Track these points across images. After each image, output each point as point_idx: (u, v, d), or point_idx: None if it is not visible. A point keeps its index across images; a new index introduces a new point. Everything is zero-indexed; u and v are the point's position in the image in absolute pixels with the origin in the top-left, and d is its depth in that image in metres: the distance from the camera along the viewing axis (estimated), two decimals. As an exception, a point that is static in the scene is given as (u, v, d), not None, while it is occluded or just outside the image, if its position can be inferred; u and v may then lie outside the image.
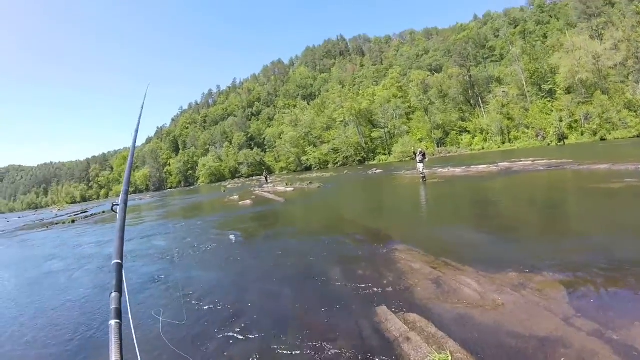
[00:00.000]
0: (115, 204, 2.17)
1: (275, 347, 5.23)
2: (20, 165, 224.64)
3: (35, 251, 18.51)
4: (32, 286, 11.18)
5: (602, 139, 44.45)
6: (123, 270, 1.79)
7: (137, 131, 3.31)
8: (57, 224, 33.82)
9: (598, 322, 4.53)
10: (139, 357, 1.58)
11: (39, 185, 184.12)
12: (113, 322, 1.45)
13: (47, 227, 31.88)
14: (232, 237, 13.63)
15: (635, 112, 45.02)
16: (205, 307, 7.02)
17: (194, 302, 7.39)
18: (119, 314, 1.51)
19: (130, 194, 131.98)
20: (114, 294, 1.60)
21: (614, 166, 16.97)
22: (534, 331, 4.57)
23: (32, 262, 15.41)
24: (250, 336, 5.64)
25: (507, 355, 4.24)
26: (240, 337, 5.65)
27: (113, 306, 1.54)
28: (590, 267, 6.27)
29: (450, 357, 4.14)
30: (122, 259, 1.81)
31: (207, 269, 10.11)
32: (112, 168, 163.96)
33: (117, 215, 2.11)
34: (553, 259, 6.85)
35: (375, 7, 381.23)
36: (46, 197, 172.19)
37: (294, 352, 5.01)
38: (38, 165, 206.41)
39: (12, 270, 14.44)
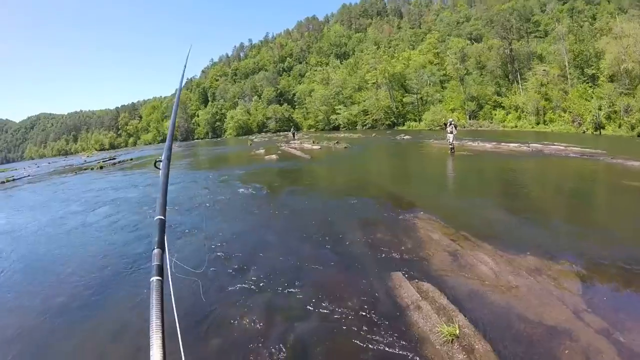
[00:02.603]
0: (159, 161, 2.17)
1: (288, 302, 5.40)
2: (51, 113, 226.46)
3: (63, 194, 19.22)
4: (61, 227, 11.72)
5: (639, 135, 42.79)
6: (165, 227, 1.76)
7: (179, 90, 3.31)
8: (85, 169, 34.62)
9: (608, 321, 4.48)
10: (175, 312, 1.57)
11: (69, 133, 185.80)
12: (155, 279, 1.45)
13: (76, 172, 32.67)
14: (254, 192, 13.81)
15: None
16: (226, 258, 7.25)
17: (218, 253, 7.62)
18: (160, 271, 1.51)
19: (159, 142, 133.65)
20: (156, 251, 1.60)
21: (650, 165, 16.35)
22: (544, 319, 4.58)
23: (59, 204, 16.03)
24: (266, 290, 5.82)
25: (514, 338, 4.28)
26: (255, 289, 5.84)
27: (155, 263, 1.53)
28: (609, 264, 6.11)
29: (458, 331, 4.22)
30: (164, 215, 1.78)
31: (231, 220, 10.37)
32: (140, 117, 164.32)
33: (161, 171, 2.08)
34: (573, 249, 6.73)
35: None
36: (75, 144, 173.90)
37: (305, 308, 5.17)
38: (68, 114, 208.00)
39: (39, 212, 15.07)
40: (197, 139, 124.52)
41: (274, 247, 7.79)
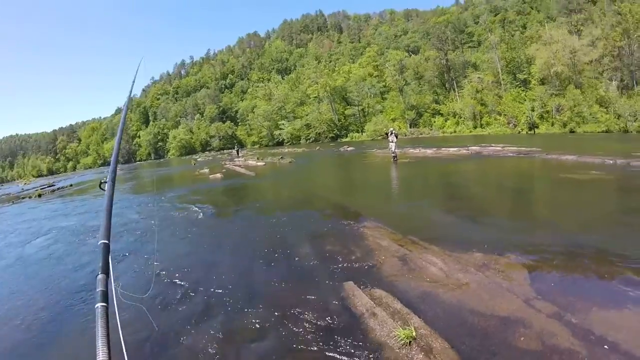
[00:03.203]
0: (104, 182, 2.07)
1: (243, 321, 5.25)
2: None
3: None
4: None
5: (572, 131, 45.29)
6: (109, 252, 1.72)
7: (126, 106, 3.18)
8: (23, 198, 32.57)
9: (558, 305, 4.69)
10: (122, 339, 1.53)
11: (4, 159, 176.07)
12: (99, 305, 1.39)
13: (13, 202, 30.78)
14: (200, 211, 13.52)
15: (605, 108, 45.80)
16: (175, 281, 7.00)
17: (163, 275, 7.35)
18: (105, 297, 1.45)
19: (99, 166, 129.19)
20: (100, 276, 1.54)
21: (581, 158, 17.34)
22: (496, 311, 4.72)
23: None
24: (218, 310, 5.65)
25: (469, 332, 4.38)
26: (208, 311, 5.66)
27: (99, 289, 1.48)
28: (553, 252, 6.48)
29: (414, 333, 4.25)
30: (109, 240, 1.73)
31: (178, 242, 10.03)
32: (79, 140, 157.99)
33: (105, 193, 2.01)
34: (517, 242, 7.05)
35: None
36: (12, 171, 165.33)
37: (261, 326, 5.04)
38: (3, 138, 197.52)
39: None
40: (139, 160, 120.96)
41: (224, 267, 7.59)
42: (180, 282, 6.90)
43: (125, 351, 1.42)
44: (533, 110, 51.41)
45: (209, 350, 4.66)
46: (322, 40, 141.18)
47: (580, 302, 4.76)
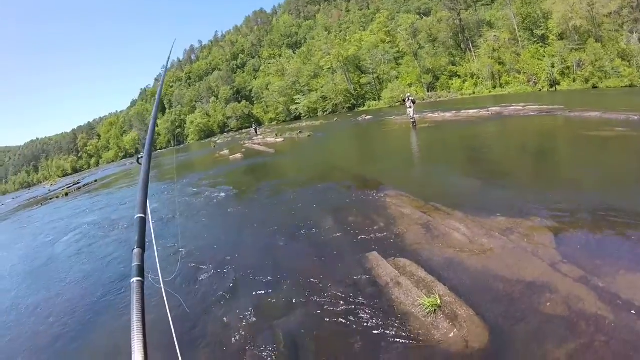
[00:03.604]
0: (140, 157, 2.09)
1: (270, 298, 5.32)
2: (6, 147, 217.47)
3: (29, 229, 18.50)
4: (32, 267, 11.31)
5: (594, 87, 43.87)
6: (149, 225, 1.72)
7: (162, 82, 3.17)
8: (50, 199, 33.18)
9: (584, 269, 4.56)
10: (169, 315, 1.56)
11: (29, 164, 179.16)
12: (135, 279, 1.37)
13: (42, 203, 31.40)
14: (222, 193, 13.65)
15: (628, 61, 44.07)
16: (201, 263, 7.10)
17: (188, 257, 7.46)
18: (141, 272, 1.43)
19: (121, 158, 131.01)
20: (136, 250, 1.52)
21: (605, 114, 16.75)
22: (521, 276, 4.64)
23: (27, 239, 15.57)
24: (247, 290, 5.73)
25: (494, 298, 4.33)
26: (235, 291, 5.74)
27: (135, 263, 1.46)
28: (579, 214, 6.28)
29: (439, 301, 4.23)
30: (145, 213, 1.71)
31: (203, 226, 10.18)
32: (99, 136, 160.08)
33: (142, 167, 2.01)
34: (542, 205, 6.85)
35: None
36: (37, 174, 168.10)
37: (288, 302, 5.10)
38: (25, 144, 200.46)
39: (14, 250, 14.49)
40: (160, 148, 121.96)
41: (249, 246, 7.68)
42: (206, 264, 7.01)
43: (174, 329, 1.43)
44: (553, 67, 49.93)
45: (242, 329, 4.75)
46: (330, 10, 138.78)
47: (606, 266, 4.61)
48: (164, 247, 8.64)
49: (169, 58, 3.40)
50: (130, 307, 1.26)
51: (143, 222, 1.67)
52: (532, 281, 4.49)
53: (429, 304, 4.20)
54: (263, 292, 5.55)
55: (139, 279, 1.38)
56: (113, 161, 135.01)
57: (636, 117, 15.00)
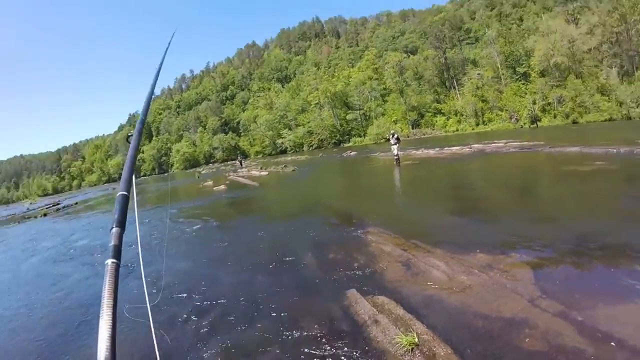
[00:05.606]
0: (130, 135, 2.04)
1: (247, 333, 5.22)
2: None
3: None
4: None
5: (575, 122, 45.42)
6: (133, 204, 1.66)
7: (156, 78, 3.09)
8: (28, 218, 32.86)
9: (563, 303, 4.62)
10: (147, 300, 1.56)
11: (10, 180, 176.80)
12: (110, 261, 1.28)
13: (19, 222, 31.02)
14: (204, 224, 13.55)
15: (607, 96, 46.11)
16: (177, 297, 6.94)
17: (167, 289, 7.30)
18: (117, 253, 1.33)
19: (104, 183, 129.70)
20: (114, 229, 1.42)
21: (585, 149, 17.28)
22: (500, 312, 4.65)
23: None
24: (223, 323, 5.62)
25: (473, 336, 4.31)
26: (211, 327, 5.61)
27: (112, 243, 1.36)
28: (558, 248, 6.43)
29: (416, 339, 4.19)
30: (129, 191, 1.61)
31: (182, 258, 9.97)
32: (83, 158, 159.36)
33: (131, 145, 1.95)
34: (522, 240, 6.99)
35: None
36: (17, 191, 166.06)
37: (266, 337, 5.00)
38: (7, 159, 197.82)
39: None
40: (143, 175, 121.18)
41: (228, 279, 7.56)
42: (182, 299, 6.85)
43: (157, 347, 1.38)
44: (534, 104, 51.60)
45: None
46: (320, 46, 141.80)
47: (585, 299, 4.69)
48: (147, 272, 8.42)
49: (166, 51, 3.34)
50: (102, 289, 1.18)
51: (125, 200, 1.57)
52: (511, 317, 4.51)
53: (406, 342, 4.15)
54: (240, 327, 5.43)
55: (114, 260, 1.30)
56: (96, 184, 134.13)
57: (614, 151, 15.52)
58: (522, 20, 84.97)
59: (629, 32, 50.04)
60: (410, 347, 4.11)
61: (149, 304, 1.60)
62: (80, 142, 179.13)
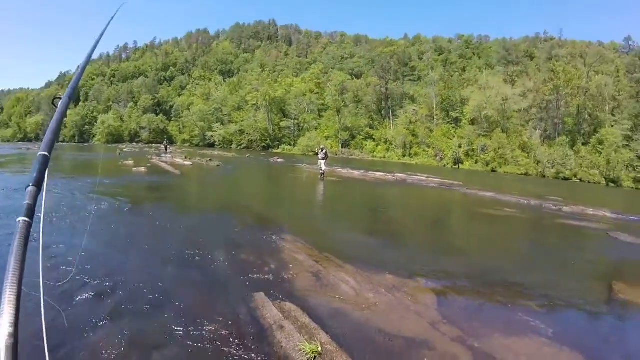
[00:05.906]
0: (58, 98, 1.91)
1: (148, 325, 5.03)
2: None
3: None
4: None
5: (493, 170, 48.86)
6: (49, 166, 1.53)
7: (95, 44, 2.91)
8: None
9: (462, 330, 4.99)
10: (41, 270, 1.44)
11: None
12: (22, 219, 1.23)
13: None
14: (117, 205, 12.92)
15: (527, 153, 50.37)
16: (80, 280, 6.51)
17: (72, 273, 6.85)
18: (30, 212, 1.28)
19: (18, 141, 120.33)
20: (30, 188, 1.36)
21: (498, 195, 18.56)
22: (402, 331, 4.92)
23: None
24: (124, 310, 5.37)
25: (374, 350, 4.52)
26: (112, 314, 5.34)
27: (26, 201, 1.31)
28: (462, 280, 6.97)
29: (320, 348, 4.29)
30: (50, 153, 1.55)
31: (89, 237, 9.36)
32: (2, 109, 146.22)
33: (57, 109, 1.86)
34: (429, 268, 7.46)
35: (315, 1, 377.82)
36: None
37: (167, 332, 4.84)
38: None
39: None
40: (62, 141, 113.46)
41: (134, 267, 7.21)
42: (86, 282, 6.44)
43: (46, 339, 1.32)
44: (460, 147, 54.74)
45: (112, 353, 4.38)
46: (270, 49, 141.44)
47: (483, 328, 5.10)
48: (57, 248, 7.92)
49: (109, 22, 3.17)
50: (11, 247, 1.13)
51: (46, 160, 1.53)
52: (412, 337, 4.77)
53: (309, 350, 4.23)
54: (143, 318, 5.22)
55: (26, 219, 1.25)
56: (9, 141, 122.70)
57: (525, 201, 16.82)
58: (464, 71, 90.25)
59: (558, 102, 55.02)
60: (312, 356, 4.20)
61: (46, 280, 1.54)
62: (2, 91, 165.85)
